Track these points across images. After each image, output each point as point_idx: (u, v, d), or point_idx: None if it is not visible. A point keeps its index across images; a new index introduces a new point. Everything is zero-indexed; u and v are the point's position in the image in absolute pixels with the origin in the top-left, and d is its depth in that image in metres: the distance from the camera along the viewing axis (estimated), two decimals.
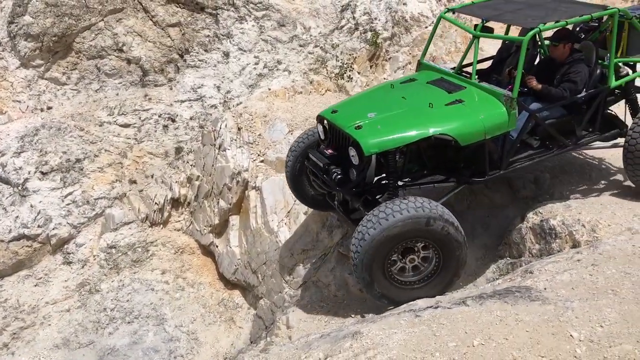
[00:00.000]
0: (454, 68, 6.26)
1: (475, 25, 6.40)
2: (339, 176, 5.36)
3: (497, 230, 6.30)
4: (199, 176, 9.33)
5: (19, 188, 9.02)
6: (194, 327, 7.97)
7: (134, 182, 9.60)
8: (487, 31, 6.30)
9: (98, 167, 9.50)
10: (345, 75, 10.48)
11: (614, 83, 5.94)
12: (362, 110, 5.58)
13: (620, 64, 6.15)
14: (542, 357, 3.22)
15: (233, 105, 10.03)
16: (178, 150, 9.88)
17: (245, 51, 10.41)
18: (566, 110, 5.93)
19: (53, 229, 8.88)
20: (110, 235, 8.97)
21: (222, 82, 10.27)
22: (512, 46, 6.67)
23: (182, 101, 10.23)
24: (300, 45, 10.50)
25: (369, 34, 10.93)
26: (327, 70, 10.47)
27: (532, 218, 5.80)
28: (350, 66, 10.62)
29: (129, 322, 8.08)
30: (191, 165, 9.60)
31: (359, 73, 10.73)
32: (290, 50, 10.45)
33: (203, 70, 10.36)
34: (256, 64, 10.36)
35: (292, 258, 7.26)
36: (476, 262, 6.02)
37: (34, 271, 8.75)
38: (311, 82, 10.34)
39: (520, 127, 5.53)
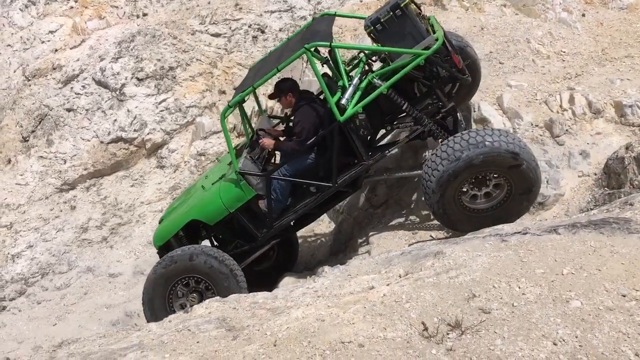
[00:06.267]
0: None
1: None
2: None
3: (596, 159, 5.94)
4: None
5: (117, 93, 9.41)
6: None
7: (223, 92, 9.76)
8: None
9: (190, 76, 9.70)
10: None
11: (346, 115, 5.20)
12: (178, 201, 6.61)
13: (375, 79, 5.30)
14: (637, 290, 3.05)
15: None
16: None
17: None
18: (317, 155, 5.64)
19: (148, 133, 9.28)
20: (200, 143, 9.27)
21: None
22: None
23: (272, 12, 10.10)
24: None
25: None
26: None
27: (638, 147, 5.39)
28: None
29: None
30: (279, 78, 9.59)
31: None
32: None
33: None
34: None
35: (374, 175, 7.22)
36: (570, 192, 5.74)
37: (131, 172, 9.27)
38: None
39: (271, 190, 5.60)
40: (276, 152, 6.06)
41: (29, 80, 9.74)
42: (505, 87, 6.90)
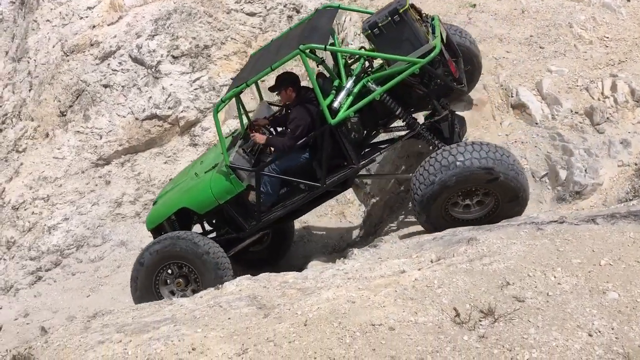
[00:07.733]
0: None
1: None
2: None
3: (637, 148, 5.78)
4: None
5: (152, 70, 9.49)
6: (305, 218, 8.23)
7: None
8: None
9: (224, 55, 9.71)
10: None
11: (337, 119, 5.12)
12: (171, 184, 6.69)
13: (370, 82, 5.22)
14: None
15: None
16: None
17: None
18: (309, 154, 5.59)
19: (182, 111, 9.36)
20: (233, 122, 9.29)
21: None
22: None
23: None
24: None
25: None
26: None
27: None
28: None
29: None
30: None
31: None
32: None
33: None
34: None
35: (407, 159, 7.17)
36: (609, 181, 5.61)
37: (164, 149, 9.38)
38: None
39: (261, 184, 5.62)
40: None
41: (67, 55, 9.89)
42: (545, 72, 6.74)
